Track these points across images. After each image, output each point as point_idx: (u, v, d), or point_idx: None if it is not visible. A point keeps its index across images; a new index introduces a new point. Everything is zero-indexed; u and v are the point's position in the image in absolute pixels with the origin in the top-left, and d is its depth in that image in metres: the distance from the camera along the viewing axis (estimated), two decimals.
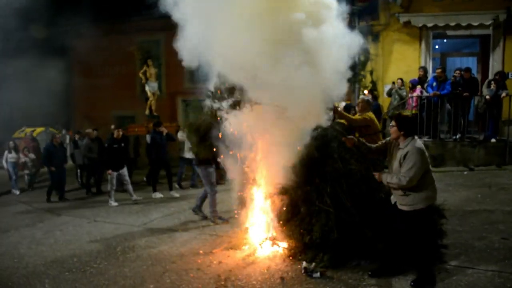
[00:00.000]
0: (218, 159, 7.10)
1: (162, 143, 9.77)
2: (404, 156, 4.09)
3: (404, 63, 12.27)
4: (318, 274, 4.52)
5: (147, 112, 13.79)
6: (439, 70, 10.41)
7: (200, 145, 6.50)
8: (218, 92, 5.53)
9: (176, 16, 5.14)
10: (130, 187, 9.35)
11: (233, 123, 5.45)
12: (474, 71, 11.73)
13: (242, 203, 5.99)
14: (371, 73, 12.59)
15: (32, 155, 11.97)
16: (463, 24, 11.49)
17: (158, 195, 9.64)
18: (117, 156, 9.16)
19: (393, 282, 4.32)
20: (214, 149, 6.33)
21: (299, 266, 4.77)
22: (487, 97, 9.89)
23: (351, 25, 6.53)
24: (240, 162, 5.82)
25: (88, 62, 15.44)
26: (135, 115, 15.63)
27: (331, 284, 4.38)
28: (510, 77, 11.11)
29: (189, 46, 5.08)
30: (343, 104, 9.38)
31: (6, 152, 11.47)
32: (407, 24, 12.03)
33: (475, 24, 11.42)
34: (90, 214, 8.25)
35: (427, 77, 10.91)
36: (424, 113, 10.33)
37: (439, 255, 4.72)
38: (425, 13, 11.88)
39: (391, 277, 4.39)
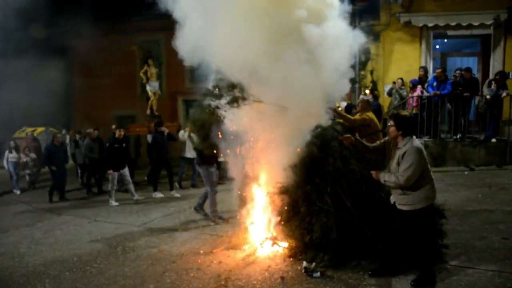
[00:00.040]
0: (219, 159, 7.13)
1: (164, 142, 9.76)
2: (402, 156, 4.09)
3: (404, 63, 12.27)
4: (318, 274, 4.52)
5: (148, 112, 13.78)
6: (439, 70, 10.41)
7: (205, 142, 6.52)
8: (216, 89, 5.51)
9: (176, 12, 5.11)
10: (131, 186, 9.35)
11: (233, 121, 5.43)
12: (474, 71, 11.74)
13: (243, 202, 5.99)
14: (372, 73, 12.60)
15: (33, 155, 11.97)
16: (464, 24, 11.48)
17: (158, 194, 9.64)
18: (118, 156, 9.15)
19: (393, 282, 4.31)
20: (215, 151, 6.35)
21: (299, 266, 4.77)
22: (488, 97, 9.88)
23: (352, 24, 6.50)
24: (240, 161, 5.82)
25: (88, 62, 15.44)
26: (135, 115, 15.64)
27: (331, 283, 4.37)
28: (510, 77, 11.10)
29: (188, 43, 5.03)
30: (344, 104, 9.39)
31: (7, 152, 11.46)
32: (408, 24, 12.04)
33: (476, 24, 11.42)
34: (91, 214, 8.25)
35: (427, 77, 10.90)
36: (424, 113, 10.33)
37: (439, 255, 4.71)
38: (426, 13, 11.87)
39: (391, 277, 4.39)
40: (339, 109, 8.64)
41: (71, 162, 11.99)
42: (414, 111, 10.51)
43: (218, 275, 4.76)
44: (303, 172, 5.12)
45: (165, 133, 9.79)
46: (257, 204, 5.76)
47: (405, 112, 4.50)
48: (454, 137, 10.38)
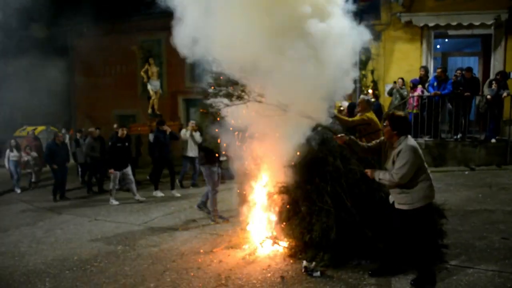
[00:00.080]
0: (221, 158, 7.14)
1: (166, 141, 9.75)
2: (397, 154, 4.10)
3: (405, 62, 12.26)
4: (318, 273, 4.52)
5: (149, 111, 13.80)
6: (439, 70, 10.41)
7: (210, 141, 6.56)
8: (213, 88, 5.48)
9: (174, 5, 5.05)
10: (133, 186, 9.34)
11: (233, 120, 5.43)
12: (475, 70, 11.74)
13: (243, 202, 5.99)
14: (372, 72, 12.59)
15: (34, 154, 11.99)
16: (465, 23, 11.48)
17: (159, 193, 9.64)
18: (121, 155, 9.15)
19: (393, 282, 4.32)
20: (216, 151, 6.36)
21: (299, 265, 4.77)
22: (488, 97, 9.88)
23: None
24: (240, 160, 5.82)
25: (89, 62, 15.48)
26: (136, 114, 15.67)
27: (331, 283, 4.38)
28: (511, 77, 11.09)
29: (187, 38, 4.97)
30: (345, 103, 9.38)
31: (7, 150, 11.47)
32: (409, 23, 12.03)
33: (477, 23, 11.41)
34: (91, 213, 8.26)
35: (428, 77, 10.90)
36: (425, 112, 10.33)
37: (439, 254, 4.71)
38: (427, 12, 11.86)
39: (391, 277, 4.39)
40: (341, 108, 8.66)
41: (72, 161, 12.00)
42: (414, 111, 10.52)
43: (218, 274, 4.76)
44: (303, 171, 5.13)
45: (167, 132, 9.79)
46: (257, 203, 5.76)
47: (400, 112, 4.49)
48: (455, 137, 10.38)
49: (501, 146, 10.03)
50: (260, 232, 5.63)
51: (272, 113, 4.80)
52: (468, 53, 13.84)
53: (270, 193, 5.46)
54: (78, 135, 12.26)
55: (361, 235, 4.71)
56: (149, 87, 13.70)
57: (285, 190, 5.25)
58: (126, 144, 9.37)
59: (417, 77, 10.93)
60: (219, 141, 6.19)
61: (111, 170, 9.04)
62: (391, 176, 4.10)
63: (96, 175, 10.87)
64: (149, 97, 13.82)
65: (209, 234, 6.36)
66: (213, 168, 7.06)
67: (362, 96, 7.47)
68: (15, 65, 12.93)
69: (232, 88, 5.14)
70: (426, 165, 4.23)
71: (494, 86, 9.93)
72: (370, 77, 12.63)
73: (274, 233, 5.45)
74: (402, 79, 11.27)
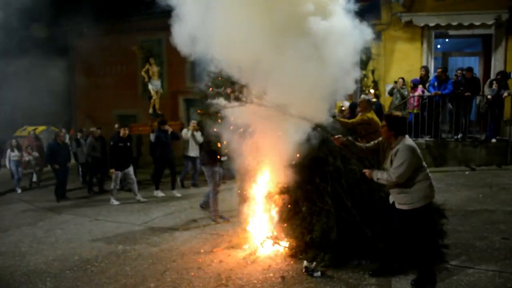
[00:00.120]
0: (222, 158, 7.15)
1: (167, 141, 9.74)
2: (395, 154, 4.11)
3: (406, 62, 12.25)
4: (318, 273, 4.52)
5: (150, 110, 13.79)
6: (439, 70, 10.41)
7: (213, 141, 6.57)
8: (211, 89, 5.47)
9: (174, 2, 5.03)
10: (135, 186, 9.33)
11: (233, 118, 5.43)
12: (476, 70, 11.73)
13: (243, 202, 5.99)
14: (373, 72, 12.58)
15: (35, 154, 12.00)
16: (465, 23, 11.47)
17: (160, 193, 9.65)
18: (123, 155, 9.14)
19: (394, 282, 4.32)
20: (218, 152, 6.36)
21: (300, 265, 4.78)
22: (489, 97, 9.87)
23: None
24: (241, 160, 5.82)
25: (89, 62, 15.49)
26: (136, 114, 15.67)
27: (332, 283, 4.38)
28: None
29: (187, 35, 4.95)
30: (347, 103, 9.38)
31: (8, 150, 11.48)
32: (409, 23, 12.02)
33: (477, 23, 11.40)
34: (92, 213, 8.27)
35: (428, 77, 10.89)
36: (425, 112, 10.32)
37: (440, 254, 4.72)
38: (427, 12, 11.86)
39: (391, 277, 4.40)
40: (343, 108, 8.66)
41: (73, 161, 12.00)
42: (415, 111, 10.52)
43: (218, 274, 4.76)
44: (303, 171, 5.12)
45: (169, 132, 9.79)
46: (258, 203, 5.76)
47: (397, 112, 4.49)
48: (455, 137, 10.37)
49: (501, 146, 10.03)
50: (261, 232, 5.63)
51: (271, 114, 4.80)
52: (468, 53, 13.84)
53: (270, 193, 5.46)
54: (79, 135, 12.26)
55: (361, 235, 4.71)
56: (150, 87, 13.69)
57: (285, 190, 5.25)
58: (128, 144, 9.36)
59: (418, 77, 10.92)
60: (219, 144, 6.19)
61: (112, 170, 9.05)
62: (388, 176, 4.10)
63: (97, 175, 10.87)
64: (150, 97, 13.81)
65: (209, 234, 6.36)
66: (215, 168, 7.06)
67: (362, 96, 7.47)
68: (15, 65, 12.92)
69: (231, 90, 5.13)
70: (425, 165, 4.23)
71: (494, 86, 9.93)
72: (370, 77, 12.62)
73: (275, 233, 5.45)
74: (403, 79, 11.26)
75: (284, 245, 5.27)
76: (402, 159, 4.03)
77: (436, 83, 10.28)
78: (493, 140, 10.06)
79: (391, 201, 4.34)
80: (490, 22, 11.32)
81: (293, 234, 5.10)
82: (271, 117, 4.84)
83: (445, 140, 10.44)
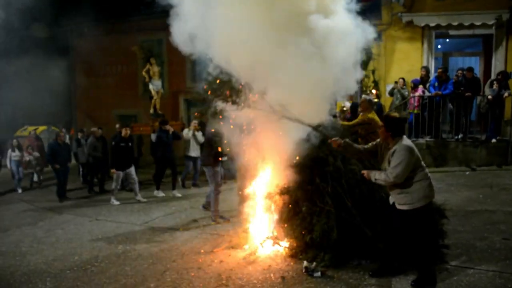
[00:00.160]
0: (223, 158, 7.16)
1: (168, 141, 9.73)
2: (392, 154, 4.11)
3: (406, 62, 12.25)
4: (319, 274, 4.52)
5: (151, 110, 13.79)
6: (440, 70, 10.41)
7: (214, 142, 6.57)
8: (209, 92, 5.46)
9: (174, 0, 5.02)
10: (136, 186, 9.32)
11: (234, 120, 5.42)
12: (476, 71, 11.73)
13: (244, 202, 5.99)
14: (373, 72, 12.58)
15: (36, 154, 12.00)
16: (466, 23, 11.46)
17: (160, 193, 9.64)
18: (124, 155, 9.13)
19: (394, 282, 4.31)
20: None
21: (300, 266, 4.77)
22: (489, 97, 9.87)
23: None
24: (241, 160, 5.83)
25: (90, 62, 15.49)
26: (137, 115, 15.67)
27: (332, 283, 4.38)
28: None
29: (186, 33, 4.93)
30: (348, 104, 9.39)
31: (9, 150, 11.49)
32: (410, 23, 12.02)
33: (478, 23, 11.40)
34: (92, 213, 8.27)
35: (429, 77, 10.89)
36: (426, 113, 10.32)
37: (440, 255, 4.71)
38: (428, 12, 11.85)
39: (391, 277, 4.39)
40: (344, 109, 8.67)
41: (73, 161, 12.01)
42: (415, 111, 10.52)
43: (218, 274, 4.76)
44: (304, 172, 5.12)
45: (170, 132, 9.79)
46: (258, 203, 5.76)
47: (394, 113, 4.49)
48: (456, 137, 10.37)
49: (502, 146, 10.02)
50: (261, 232, 5.63)
51: (271, 114, 4.79)
52: (469, 53, 13.83)
53: (270, 193, 5.46)
54: (80, 135, 12.27)
55: (361, 235, 4.71)
56: (151, 87, 13.69)
57: (285, 190, 5.25)
58: (130, 144, 9.36)
59: (418, 77, 10.93)
60: (221, 146, 6.19)
61: (113, 170, 9.04)
62: (386, 176, 4.10)
63: (98, 175, 10.87)
64: (151, 97, 13.81)
65: (209, 234, 6.36)
66: (216, 168, 7.07)
67: (363, 96, 7.48)
68: (16, 65, 12.94)
69: (228, 93, 5.13)
70: (423, 164, 4.23)
71: (495, 86, 9.92)
72: (371, 77, 12.61)
73: (275, 234, 5.45)
74: (403, 79, 11.26)
75: (284, 245, 5.27)
76: (400, 159, 4.03)
77: (436, 83, 10.28)
78: (494, 140, 10.06)
79: (391, 202, 4.33)
80: (490, 22, 11.32)
81: (293, 234, 5.10)
82: (271, 117, 4.83)
83: (445, 140, 10.43)
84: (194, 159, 10.28)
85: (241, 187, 6.13)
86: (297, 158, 5.17)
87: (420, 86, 10.58)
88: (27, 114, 17.27)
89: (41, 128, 16.00)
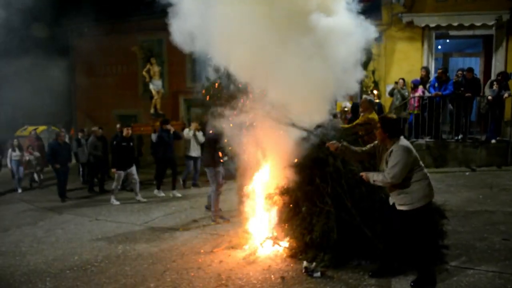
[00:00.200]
0: (222, 159, 7.16)
1: (170, 141, 9.72)
2: (389, 155, 4.11)
3: (406, 63, 12.25)
4: (318, 274, 4.52)
5: (152, 110, 13.79)
6: (440, 71, 10.40)
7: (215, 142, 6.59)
8: (208, 98, 5.47)
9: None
10: (137, 186, 9.31)
11: (234, 121, 5.43)
12: (476, 71, 11.73)
13: (244, 202, 5.99)
14: (373, 73, 12.58)
15: (37, 153, 12.00)
16: (466, 24, 11.47)
17: (160, 193, 9.64)
18: (126, 155, 9.12)
19: (393, 282, 4.31)
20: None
21: (299, 266, 4.77)
22: (489, 97, 9.86)
23: None
24: (241, 160, 5.83)
25: (90, 61, 15.50)
26: (137, 114, 15.68)
27: (332, 283, 4.38)
28: None
29: (186, 32, 4.93)
30: (349, 104, 9.39)
31: (10, 150, 11.49)
32: (410, 24, 12.02)
33: (478, 24, 11.40)
34: (92, 213, 8.27)
35: (429, 77, 10.89)
36: (426, 113, 10.32)
37: (440, 255, 4.71)
38: (428, 13, 11.86)
39: (391, 277, 4.39)
40: (345, 109, 8.67)
41: (74, 161, 12.01)
42: (415, 112, 10.52)
43: (218, 274, 4.76)
44: (303, 172, 5.12)
45: (171, 131, 9.78)
46: (258, 203, 5.76)
47: (391, 114, 4.50)
48: (456, 137, 10.37)
49: (502, 147, 10.02)
50: (261, 232, 5.63)
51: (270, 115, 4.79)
52: (469, 53, 13.82)
53: (270, 194, 5.46)
54: (80, 135, 12.27)
55: (361, 235, 4.71)
56: (151, 87, 13.70)
57: (285, 190, 5.25)
58: (131, 143, 9.35)
59: (418, 78, 10.92)
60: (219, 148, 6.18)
61: (114, 170, 9.04)
62: (383, 177, 4.11)
63: (98, 175, 10.87)
64: (151, 97, 13.82)
65: (209, 234, 6.36)
66: (217, 169, 7.07)
67: (364, 96, 7.47)
68: (16, 65, 12.94)
69: (225, 99, 5.14)
70: (422, 164, 4.23)
71: (495, 86, 9.92)
72: (371, 78, 12.61)
73: (275, 234, 5.45)
74: (403, 79, 11.26)
75: (284, 245, 5.27)
76: (397, 159, 4.04)
77: (436, 84, 10.28)
78: (494, 141, 10.06)
79: (391, 203, 4.33)
80: (491, 23, 11.31)
81: (293, 235, 5.10)
82: (270, 120, 4.83)
83: (445, 140, 10.43)
84: (194, 159, 10.27)
85: (241, 187, 6.12)
86: (298, 158, 5.17)
87: (420, 87, 10.58)
88: (27, 114, 17.28)
89: (41, 128, 16.01)
